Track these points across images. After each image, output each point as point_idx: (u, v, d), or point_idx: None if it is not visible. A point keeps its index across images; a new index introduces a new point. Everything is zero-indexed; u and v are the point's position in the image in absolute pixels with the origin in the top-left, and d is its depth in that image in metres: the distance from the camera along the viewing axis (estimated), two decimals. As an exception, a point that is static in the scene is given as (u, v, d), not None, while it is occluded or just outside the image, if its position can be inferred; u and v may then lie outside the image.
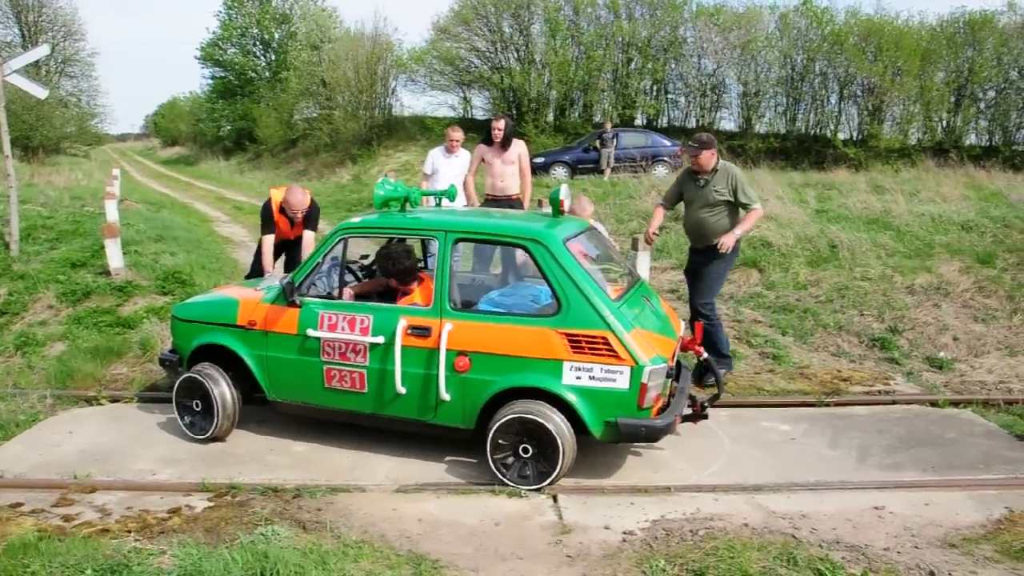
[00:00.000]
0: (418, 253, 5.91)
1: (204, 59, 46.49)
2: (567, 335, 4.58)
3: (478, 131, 20.71)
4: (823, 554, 3.96)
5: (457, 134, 8.39)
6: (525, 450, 4.69)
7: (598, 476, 4.98)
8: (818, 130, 28.82)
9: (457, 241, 4.95)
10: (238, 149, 44.12)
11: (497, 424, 4.66)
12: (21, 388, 6.51)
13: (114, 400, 6.34)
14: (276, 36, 44.41)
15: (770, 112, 29.69)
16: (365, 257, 6.23)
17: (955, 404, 6.32)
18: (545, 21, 29.43)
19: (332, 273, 5.48)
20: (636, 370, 4.50)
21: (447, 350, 4.74)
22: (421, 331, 4.81)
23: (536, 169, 22.06)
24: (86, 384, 6.65)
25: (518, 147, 8.18)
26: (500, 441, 4.70)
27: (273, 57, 44.62)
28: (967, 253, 9.83)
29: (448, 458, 5.23)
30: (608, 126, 22.23)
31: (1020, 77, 25.93)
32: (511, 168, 8.08)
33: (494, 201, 8.03)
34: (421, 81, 31.97)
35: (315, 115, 34.80)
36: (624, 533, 4.23)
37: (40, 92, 11.18)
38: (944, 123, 27.29)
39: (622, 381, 4.53)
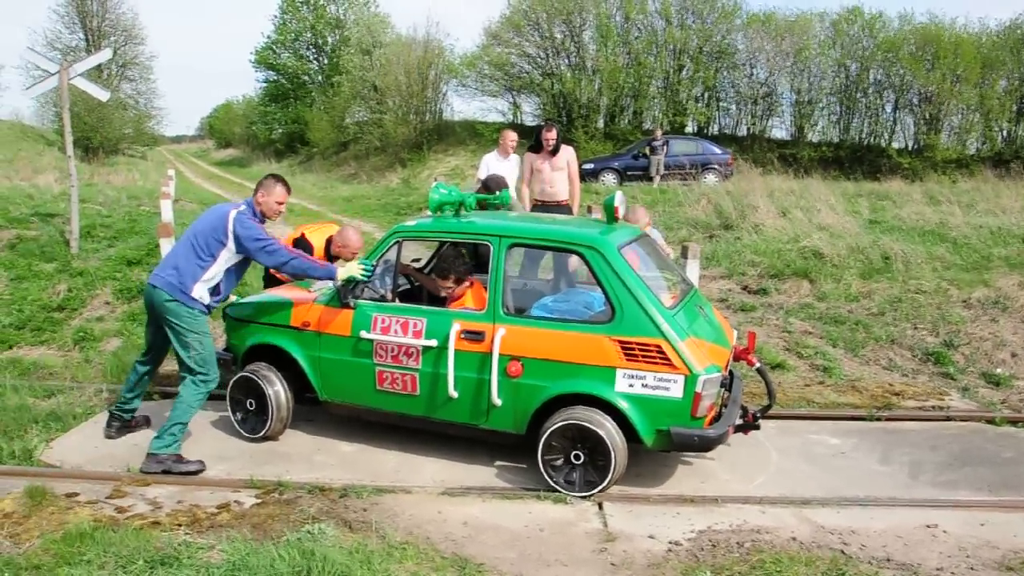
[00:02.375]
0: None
1: (258, 63, 47.38)
2: (621, 342, 4.57)
3: (527, 136, 20.76)
4: (873, 571, 3.89)
5: (512, 137, 8.44)
6: (577, 456, 4.67)
7: (644, 485, 4.95)
8: (872, 139, 28.39)
9: (512, 246, 4.95)
10: (290, 152, 44.85)
11: (551, 429, 4.65)
12: (79, 381, 6.67)
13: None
14: (329, 41, 45.11)
15: (823, 121, 29.33)
16: (416, 261, 6.27)
17: (1013, 423, 6.15)
18: (596, 27, 29.41)
19: (385, 276, 5.52)
20: (690, 379, 4.48)
21: (500, 355, 4.75)
22: (474, 335, 4.82)
23: (585, 175, 22.05)
24: (140, 380, 6.78)
25: (567, 153, 8.19)
26: (552, 444, 4.69)
27: (326, 61, 45.31)
28: (1027, 267, 9.57)
29: (494, 462, 5.24)
30: (658, 133, 22.12)
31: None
32: (560, 174, 8.10)
33: (543, 206, 8.05)
34: (472, 86, 32.22)
35: (366, 119, 35.19)
36: (670, 543, 4.19)
37: (102, 94, 11.46)
38: (1005, 133, 26.65)
39: (676, 390, 4.50)
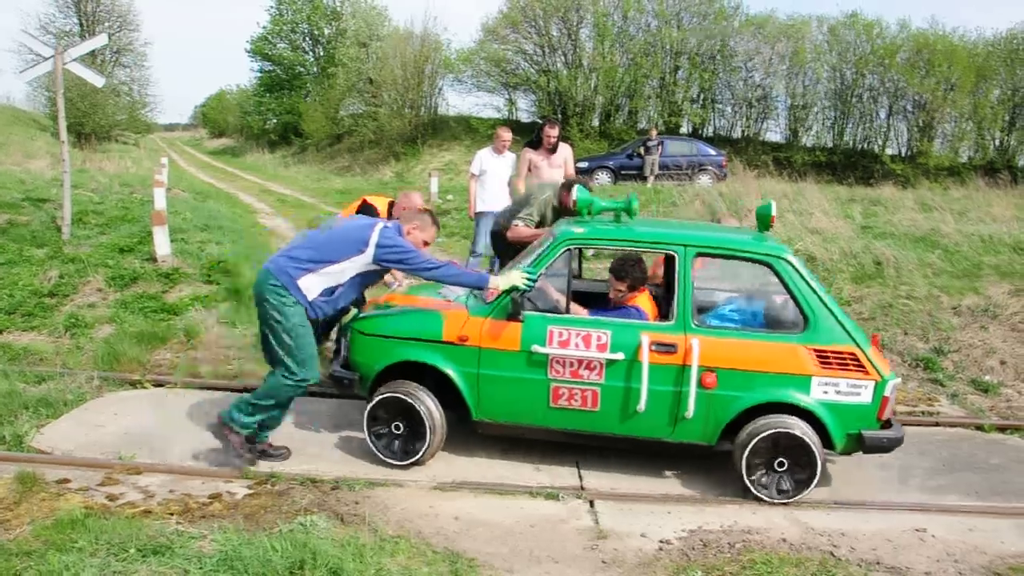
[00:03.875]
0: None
1: (254, 53, 47.19)
2: (816, 351, 4.65)
3: (522, 133, 20.75)
4: (862, 574, 3.93)
5: (507, 135, 8.44)
6: (780, 464, 4.71)
7: (636, 483, 4.97)
8: (866, 145, 28.52)
9: (697, 256, 4.86)
10: (283, 142, 44.72)
11: (758, 437, 4.65)
12: (69, 368, 6.64)
13: (157, 385, 6.44)
14: (325, 32, 44.96)
15: (817, 125, 29.44)
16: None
17: (1001, 429, 6.20)
18: (594, 26, 29.42)
19: (555, 286, 5.24)
20: (880, 384, 4.63)
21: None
22: (665, 347, 4.71)
23: (579, 173, 22.06)
24: (131, 368, 6.76)
25: (564, 151, 8.20)
26: (757, 452, 4.68)
27: (321, 53, 45.19)
28: (1018, 275, 9.62)
29: (485, 458, 5.24)
30: (653, 133, 22.15)
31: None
32: (558, 172, 8.11)
33: None
34: (468, 81, 32.24)
35: (361, 112, 35.16)
36: (661, 542, 4.21)
37: (97, 80, 11.40)
38: (997, 142, 26.80)
39: (866, 395, 4.64)
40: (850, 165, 26.60)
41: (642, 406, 4.70)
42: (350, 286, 4.87)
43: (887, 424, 4.76)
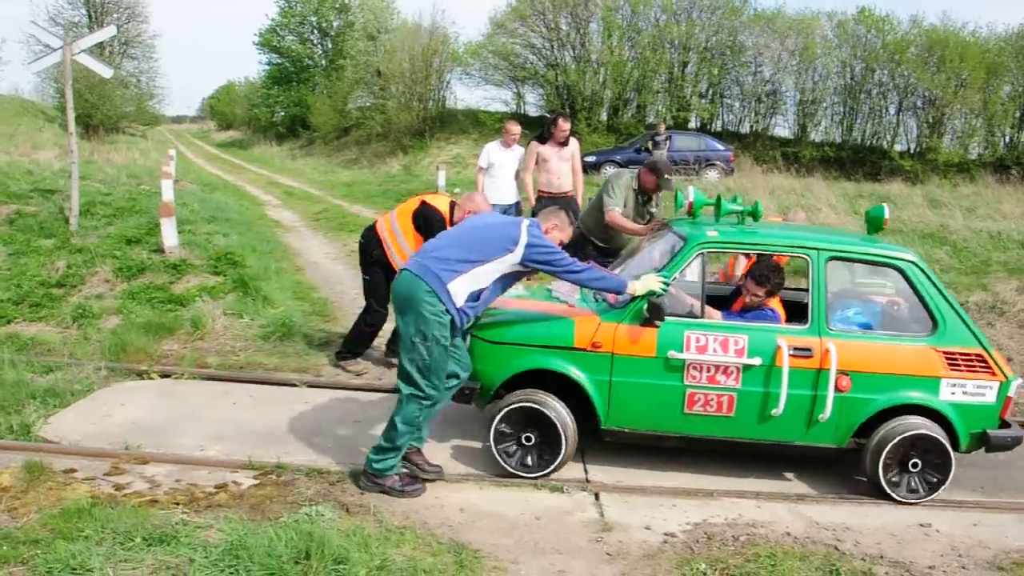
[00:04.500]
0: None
1: (262, 45, 47.18)
2: (945, 353, 4.72)
3: (530, 127, 20.71)
4: (866, 568, 3.92)
5: (516, 129, 8.43)
6: (915, 464, 4.74)
7: (640, 476, 4.98)
8: (874, 141, 28.38)
9: (830, 260, 4.87)
10: (291, 135, 44.72)
11: (897, 439, 4.68)
12: (77, 359, 6.66)
13: (164, 375, 6.46)
14: (334, 25, 44.91)
15: (826, 121, 29.31)
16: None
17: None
18: (602, 19, 29.35)
19: (685, 291, 5.19)
20: (1005, 385, 4.74)
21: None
22: (802, 351, 4.72)
23: (587, 168, 22.03)
24: (138, 358, 6.78)
25: (572, 145, 8.20)
26: (892, 453, 4.72)
27: (330, 45, 45.13)
28: (1026, 272, 9.60)
29: (490, 449, 5.23)
30: (661, 128, 22.11)
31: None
32: (566, 165, 8.12)
33: (550, 198, 8.03)
34: (476, 75, 32.16)
35: (369, 104, 35.10)
36: (665, 534, 4.22)
37: (106, 71, 11.41)
38: (1007, 139, 26.65)
39: (990, 395, 4.74)
40: (858, 161, 26.48)
41: (780, 410, 4.70)
42: (492, 290, 4.57)
43: (1005, 423, 4.84)
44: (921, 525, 4.47)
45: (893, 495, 4.74)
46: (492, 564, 3.85)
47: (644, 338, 4.74)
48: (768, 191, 14.72)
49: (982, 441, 4.78)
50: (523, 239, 4.44)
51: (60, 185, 12.14)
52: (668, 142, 21.22)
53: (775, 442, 4.87)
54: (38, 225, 10.09)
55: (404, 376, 4.43)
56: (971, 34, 26.92)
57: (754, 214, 5.33)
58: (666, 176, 6.66)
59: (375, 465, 4.51)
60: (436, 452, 5.16)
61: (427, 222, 6.03)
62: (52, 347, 7.02)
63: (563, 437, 4.75)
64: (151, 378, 6.40)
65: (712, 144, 22.43)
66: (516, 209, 8.45)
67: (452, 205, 6.14)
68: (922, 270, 4.84)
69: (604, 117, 29.84)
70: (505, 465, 4.83)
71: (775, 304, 5.22)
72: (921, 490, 4.75)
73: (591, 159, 21.94)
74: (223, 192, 17.52)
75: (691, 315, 4.90)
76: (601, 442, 5.18)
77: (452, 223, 5.86)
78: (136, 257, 9.17)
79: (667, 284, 4.73)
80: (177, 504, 4.25)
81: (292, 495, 4.42)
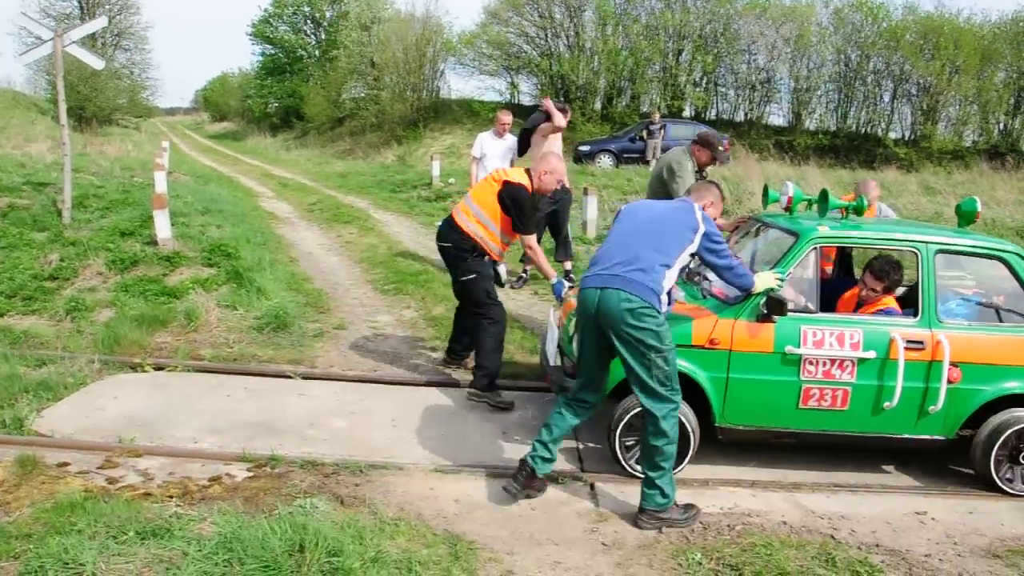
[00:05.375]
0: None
1: (255, 36, 47.01)
2: None
3: (524, 116, 20.66)
4: (862, 556, 3.91)
5: (507, 118, 8.43)
6: None
7: (636, 466, 4.96)
8: (869, 128, 28.39)
9: (938, 253, 4.90)
10: (285, 126, 44.60)
11: (1010, 430, 4.71)
12: (70, 352, 6.63)
13: (158, 368, 6.43)
14: (327, 15, 44.75)
15: (821, 108, 29.30)
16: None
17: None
18: (596, 8, 29.26)
19: (801, 285, 5.19)
20: None
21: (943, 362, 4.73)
22: (914, 344, 4.73)
23: (582, 157, 22.02)
24: (132, 351, 6.75)
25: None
26: (1004, 444, 4.74)
27: (323, 36, 45.02)
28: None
29: (485, 441, 5.24)
30: (656, 116, 22.07)
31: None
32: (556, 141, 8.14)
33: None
34: (469, 65, 32.13)
35: (362, 95, 35.05)
36: (660, 524, 4.20)
37: (97, 63, 11.33)
38: (1002, 125, 26.66)
39: None
40: (853, 149, 26.51)
41: (894, 402, 4.70)
42: (674, 287, 4.39)
43: None
44: (917, 513, 4.47)
45: (1007, 489, 4.77)
46: (487, 555, 3.84)
47: (762, 334, 4.73)
48: (763, 179, 14.68)
49: None
50: (701, 226, 4.29)
51: (53, 178, 12.08)
52: (663, 131, 21.18)
53: (884, 435, 4.88)
54: (31, 218, 10.03)
55: (651, 396, 4.13)
56: (966, 21, 26.94)
57: (858, 209, 5.34)
58: (720, 148, 6.57)
59: (653, 503, 4.19)
60: (431, 442, 5.16)
61: (516, 201, 5.74)
62: (45, 340, 6.98)
63: (691, 432, 4.73)
64: (144, 371, 6.36)
65: (707, 133, 22.38)
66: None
67: (528, 172, 5.87)
68: None
69: (598, 106, 29.80)
70: (623, 461, 4.81)
71: (891, 302, 5.18)
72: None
73: (585, 148, 21.93)
74: (217, 184, 17.43)
75: (807, 309, 4.89)
76: (599, 433, 5.18)
77: (535, 191, 5.74)
78: (129, 249, 9.12)
79: (783, 280, 4.73)
80: (171, 497, 4.23)
81: (286, 487, 4.40)
